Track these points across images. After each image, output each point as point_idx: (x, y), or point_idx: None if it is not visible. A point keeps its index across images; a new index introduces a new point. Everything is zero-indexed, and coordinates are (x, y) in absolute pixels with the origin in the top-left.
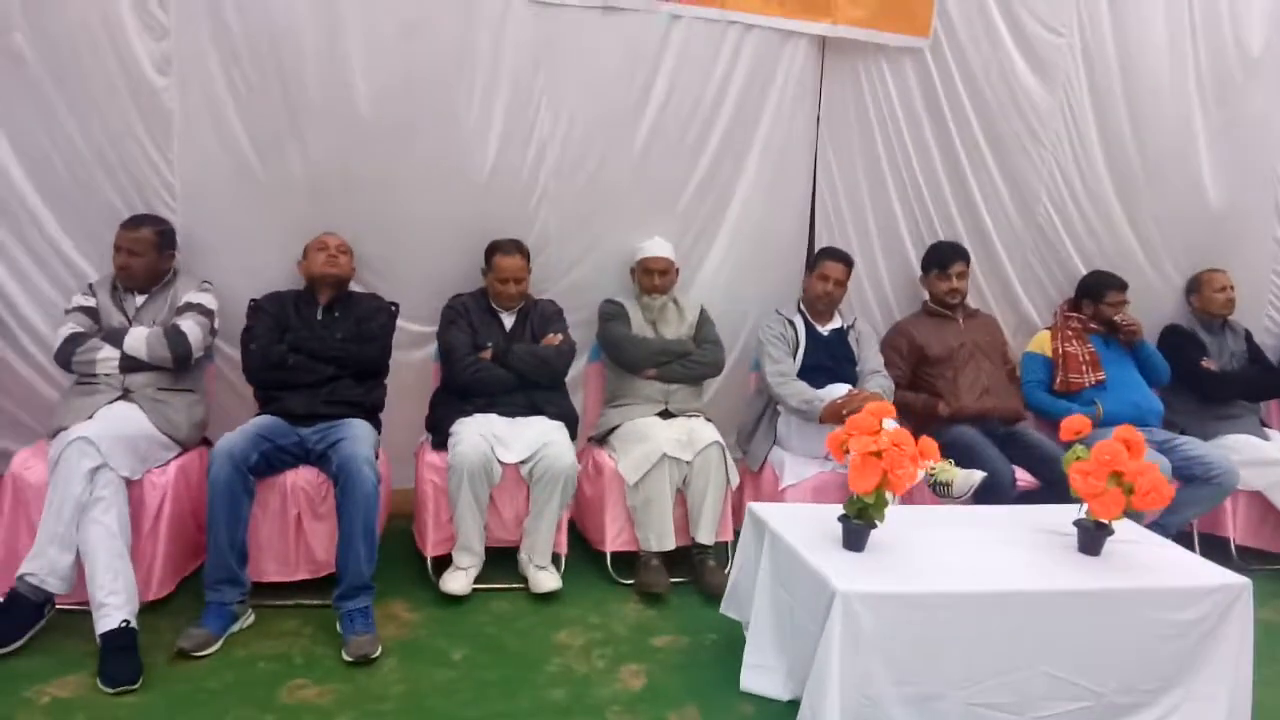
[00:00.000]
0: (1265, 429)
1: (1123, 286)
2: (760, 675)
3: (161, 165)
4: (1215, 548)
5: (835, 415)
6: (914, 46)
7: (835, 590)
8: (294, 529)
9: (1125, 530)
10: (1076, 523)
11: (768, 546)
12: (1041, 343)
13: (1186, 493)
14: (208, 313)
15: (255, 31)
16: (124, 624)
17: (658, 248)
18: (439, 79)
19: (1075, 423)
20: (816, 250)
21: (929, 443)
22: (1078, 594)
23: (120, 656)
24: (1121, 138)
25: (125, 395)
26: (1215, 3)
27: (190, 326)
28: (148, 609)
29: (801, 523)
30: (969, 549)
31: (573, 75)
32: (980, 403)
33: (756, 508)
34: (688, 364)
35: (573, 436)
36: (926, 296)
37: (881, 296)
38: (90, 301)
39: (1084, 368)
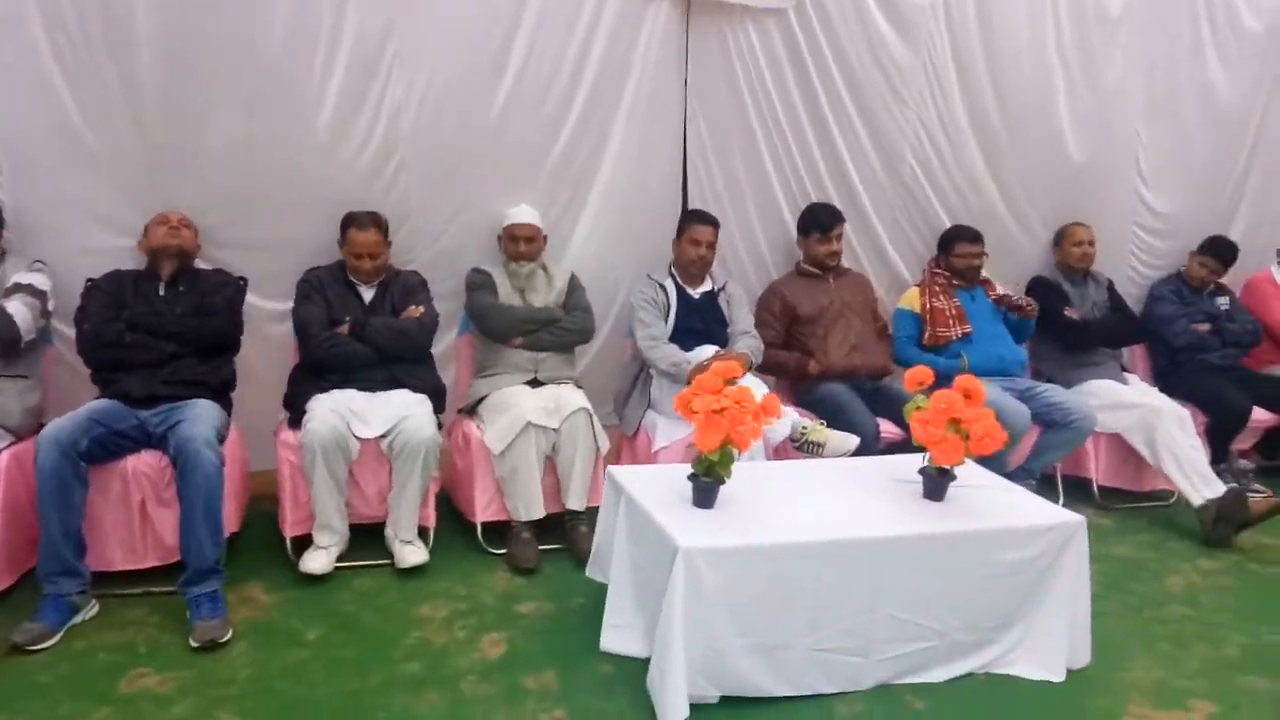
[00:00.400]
0: (1125, 374)
1: (974, 238)
2: (619, 634)
3: None
4: (1079, 489)
5: None
6: (779, 8)
7: (677, 547)
8: (139, 515)
9: (973, 475)
10: (921, 470)
11: (623, 508)
12: (911, 299)
13: (1048, 437)
14: (38, 294)
15: None
16: None
17: (523, 214)
18: (283, 44)
19: (918, 374)
20: (682, 214)
21: (773, 399)
22: (917, 538)
23: None
24: (983, 97)
25: None
26: None
27: (16, 308)
28: None
29: (656, 483)
30: (817, 501)
31: (425, 35)
32: (848, 359)
33: (614, 471)
34: (555, 332)
35: (440, 409)
36: (801, 257)
37: (758, 257)
38: None
39: (950, 321)
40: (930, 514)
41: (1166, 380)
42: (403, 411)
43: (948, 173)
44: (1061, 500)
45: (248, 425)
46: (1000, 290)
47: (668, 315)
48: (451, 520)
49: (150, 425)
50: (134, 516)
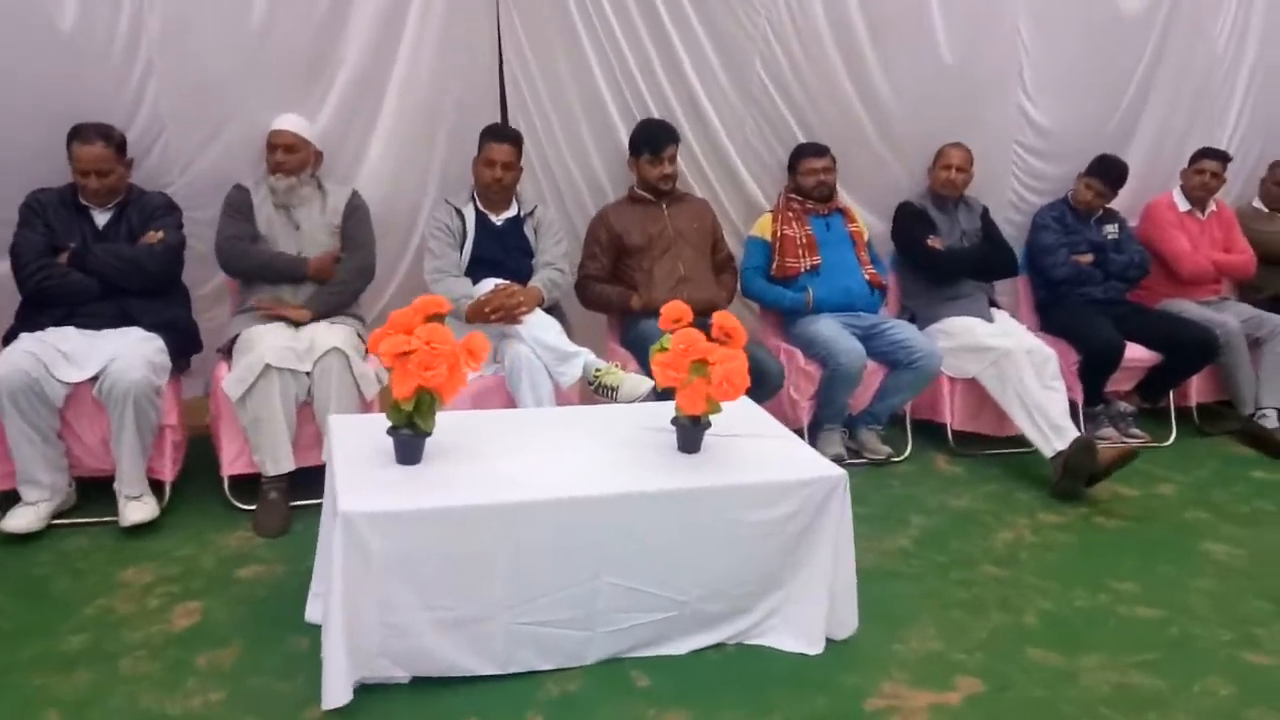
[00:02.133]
0: (994, 309)
1: (818, 151)
2: (320, 605)
3: None
4: (934, 434)
5: (479, 314)
6: None
7: (339, 510)
8: None
9: (748, 422)
10: (674, 420)
11: (330, 463)
12: (763, 226)
13: (893, 379)
14: None
15: None
16: None
17: (283, 121)
18: None
19: (674, 310)
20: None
21: (480, 340)
22: (643, 496)
23: None
24: (845, 4)
25: None
26: None
27: None
28: None
29: (373, 434)
30: (546, 454)
31: None
32: (674, 294)
33: (333, 420)
34: (330, 293)
35: (186, 350)
36: (634, 181)
37: (592, 179)
38: None
39: (800, 251)
40: (671, 468)
41: (1046, 314)
42: (116, 353)
43: (803, 85)
44: (910, 447)
45: None
46: (860, 223)
47: (464, 244)
48: (206, 471)
49: None
50: None
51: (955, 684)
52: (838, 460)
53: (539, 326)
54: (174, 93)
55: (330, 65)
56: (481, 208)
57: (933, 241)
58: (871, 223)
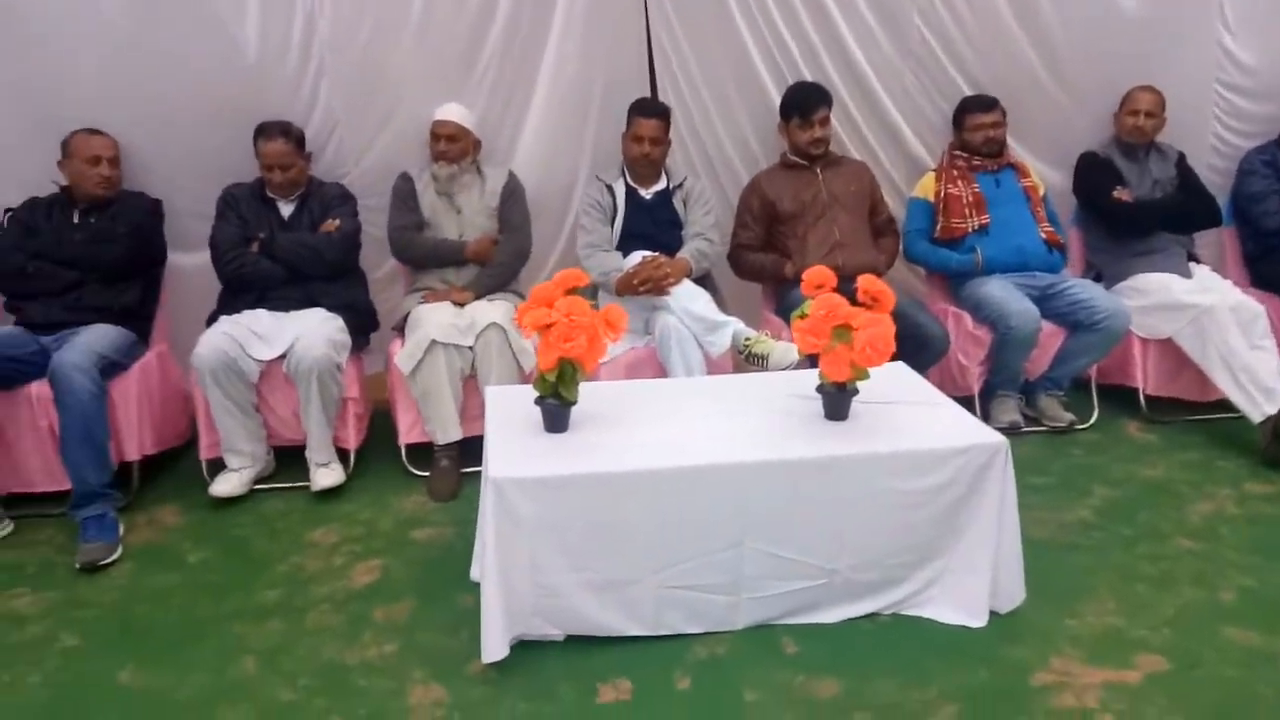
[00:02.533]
0: (1194, 264)
1: (986, 105)
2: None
3: None
4: (1125, 399)
5: (628, 286)
6: None
7: (488, 476)
8: (50, 439)
9: (903, 388)
10: (819, 388)
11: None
12: (925, 186)
13: (1074, 341)
14: None
15: None
16: None
17: (446, 111)
18: None
19: (817, 275)
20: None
21: (618, 312)
22: (786, 464)
23: None
24: None
25: None
26: None
27: None
28: None
29: (523, 404)
30: (690, 422)
31: None
32: (828, 260)
33: (489, 391)
34: (490, 276)
35: (365, 329)
36: (786, 147)
37: (744, 148)
38: None
39: (967, 211)
40: (816, 435)
41: (1255, 268)
42: (300, 332)
43: (967, 35)
44: (1096, 414)
45: (186, 348)
46: (1035, 178)
47: (614, 219)
48: (387, 441)
49: (51, 350)
50: (44, 441)
51: (1135, 661)
52: (1012, 428)
53: (687, 297)
54: (344, 91)
55: (484, 53)
56: (631, 182)
57: (1119, 193)
58: (1051, 177)
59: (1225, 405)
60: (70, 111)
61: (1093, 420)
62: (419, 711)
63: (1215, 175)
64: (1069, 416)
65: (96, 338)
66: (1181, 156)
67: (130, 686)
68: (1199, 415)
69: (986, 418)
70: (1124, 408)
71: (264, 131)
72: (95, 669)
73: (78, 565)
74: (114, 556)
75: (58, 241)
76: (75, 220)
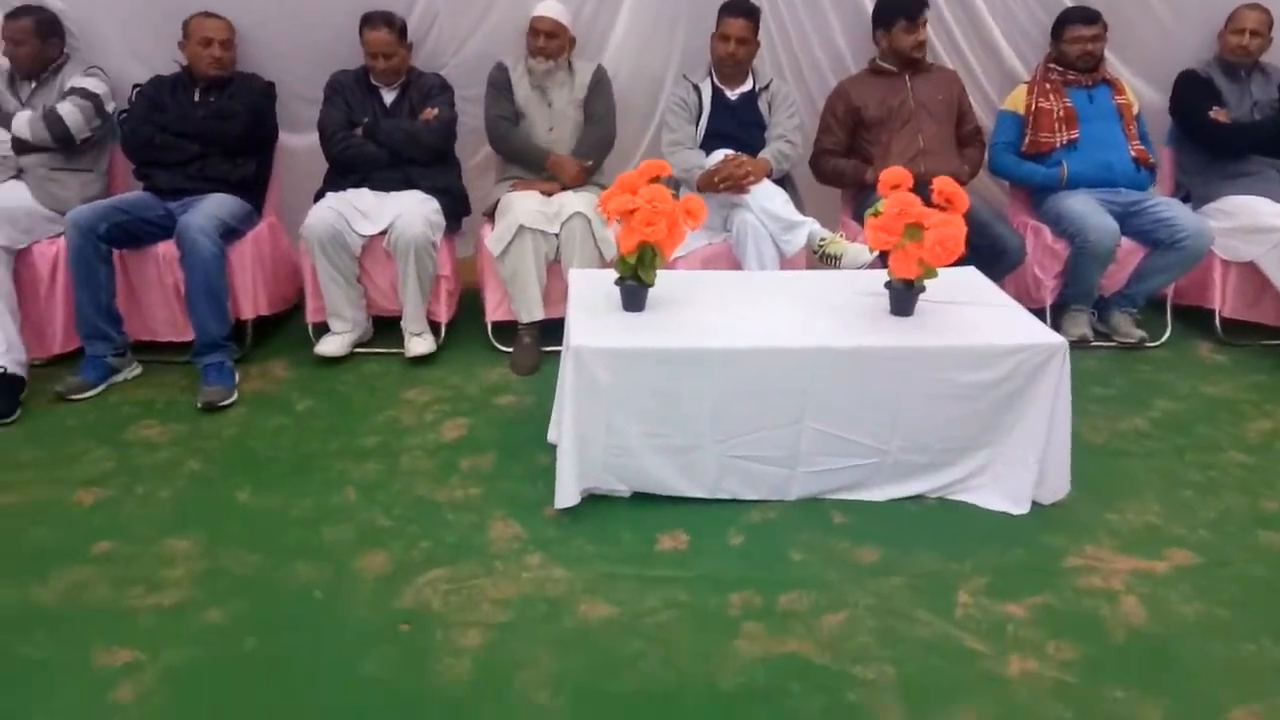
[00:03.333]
0: None
1: (1088, 18)
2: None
3: None
4: (1201, 321)
5: (709, 183)
6: None
7: (570, 345)
8: (174, 295)
9: (971, 291)
10: (886, 284)
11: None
12: (1016, 99)
13: (1153, 259)
14: (90, 95)
15: None
16: (1, 370)
17: (546, 8)
18: None
19: (894, 175)
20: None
21: (697, 202)
22: (844, 351)
23: None
24: None
25: (19, 174)
26: None
27: (68, 110)
28: (52, 363)
29: (604, 285)
30: (757, 309)
31: None
32: (910, 167)
33: (573, 273)
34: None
35: (458, 213)
36: (878, 53)
37: (834, 52)
38: None
39: (1057, 125)
40: (877, 328)
41: None
42: (400, 210)
43: None
44: (1169, 332)
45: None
46: (1130, 95)
47: (700, 118)
48: (475, 317)
49: (176, 214)
50: (169, 296)
51: (1166, 554)
52: (1082, 341)
53: (765, 196)
54: None
55: None
56: (718, 83)
57: (1215, 113)
58: (1148, 95)
59: None
60: None
61: (1165, 338)
62: (499, 543)
63: None
64: (1139, 333)
65: (217, 205)
66: None
67: (249, 504)
68: (1276, 340)
69: (1057, 330)
70: (1199, 329)
71: (369, 20)
72: (218, 489)
73: (199, 405)
74: (231, 399)
75: (181, 116)
76: (196, 98)
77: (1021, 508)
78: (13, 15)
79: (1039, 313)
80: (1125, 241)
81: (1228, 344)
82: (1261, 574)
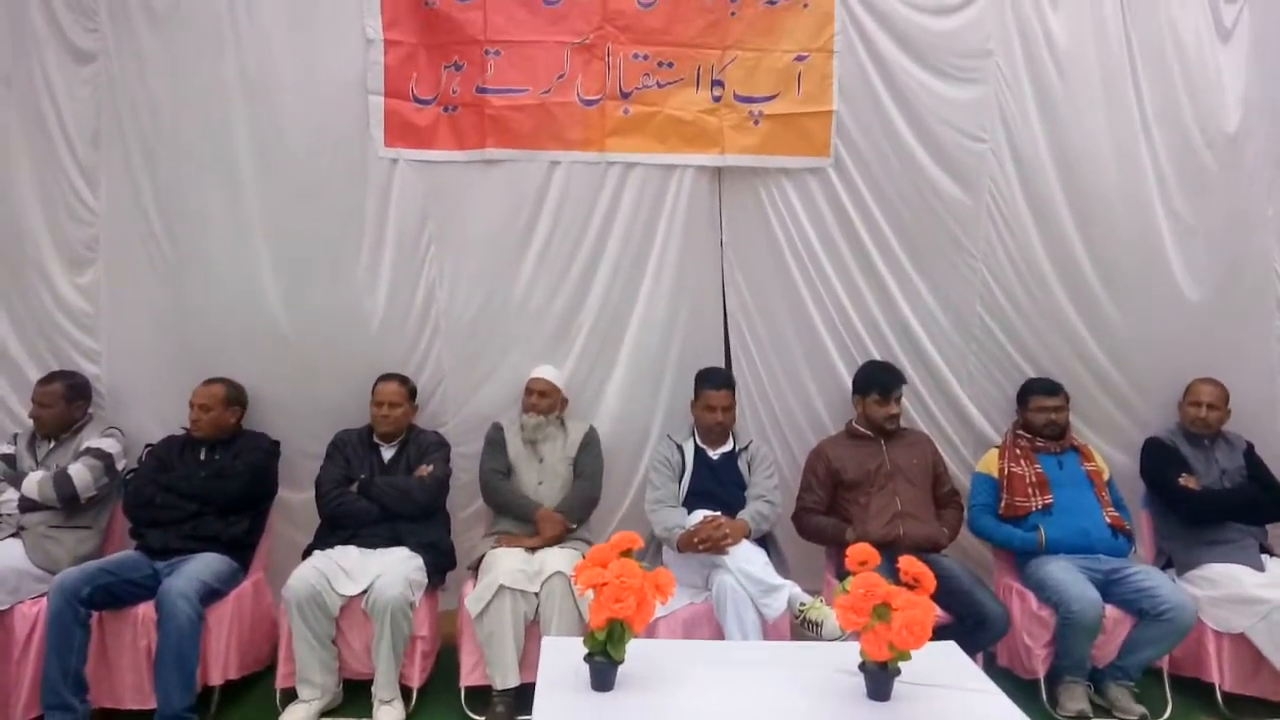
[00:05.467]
0: (1267, 557)
1: (1049, 390)
2: None
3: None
4: (1203, 693)
5: (688, 543)
6: (815, 167)
7: None
8: (146, 660)
9: (951, 670)
10: (860, 665)
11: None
12: (989, 463)
13: (1141, 631)
14: (103, 455)
15: (168, 209)
16: None
17: (541, 371)
18: (331, 237)
19: (860, 553)
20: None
21: (666, 575)
22: None
23: None
24: (1069, 244)
25: (18, 533)
26: (1170, 90)
27: (78, 470)
28: None
29: (571, 658)
30: (729, 693)
31: (458, 220)
32: (889, 529)
33: (545, 642)
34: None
35: (443, 568)
36: (854, 417)
37: (813, 416)
38: (9, 450)
39: (1030, 490)
40: (856, 718)
41: None
42: (382, 570)
43: (1029, 324)
44: (1170, 709)
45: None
46: (1099, 462)
47: (682, 476)
48: (450, 681)
49: (163, 575)
50: (141, 660)
51: None
52: (1081, 718)
53: (744, 558)
54: (453, 350)
55: (576, 322)
56: (700, 443)
57: (1185, 480)
58: (1119, 460)
59: None
60: (217, 363)
61: (1166, 715)
62: None
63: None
64: (1140, 709)
65: (203, 566)
66: (1250, 447)
67: None
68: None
69: (1054, 704)
70: (1201, 702)
71: (384, 376)
72: None
73: None
74: None
75: (185, 476)
76: (201, 457)
77: None
78: (46, 380)
79: (1034, 684)
80: (1111, 610)
81: (1229, 718)
82: None
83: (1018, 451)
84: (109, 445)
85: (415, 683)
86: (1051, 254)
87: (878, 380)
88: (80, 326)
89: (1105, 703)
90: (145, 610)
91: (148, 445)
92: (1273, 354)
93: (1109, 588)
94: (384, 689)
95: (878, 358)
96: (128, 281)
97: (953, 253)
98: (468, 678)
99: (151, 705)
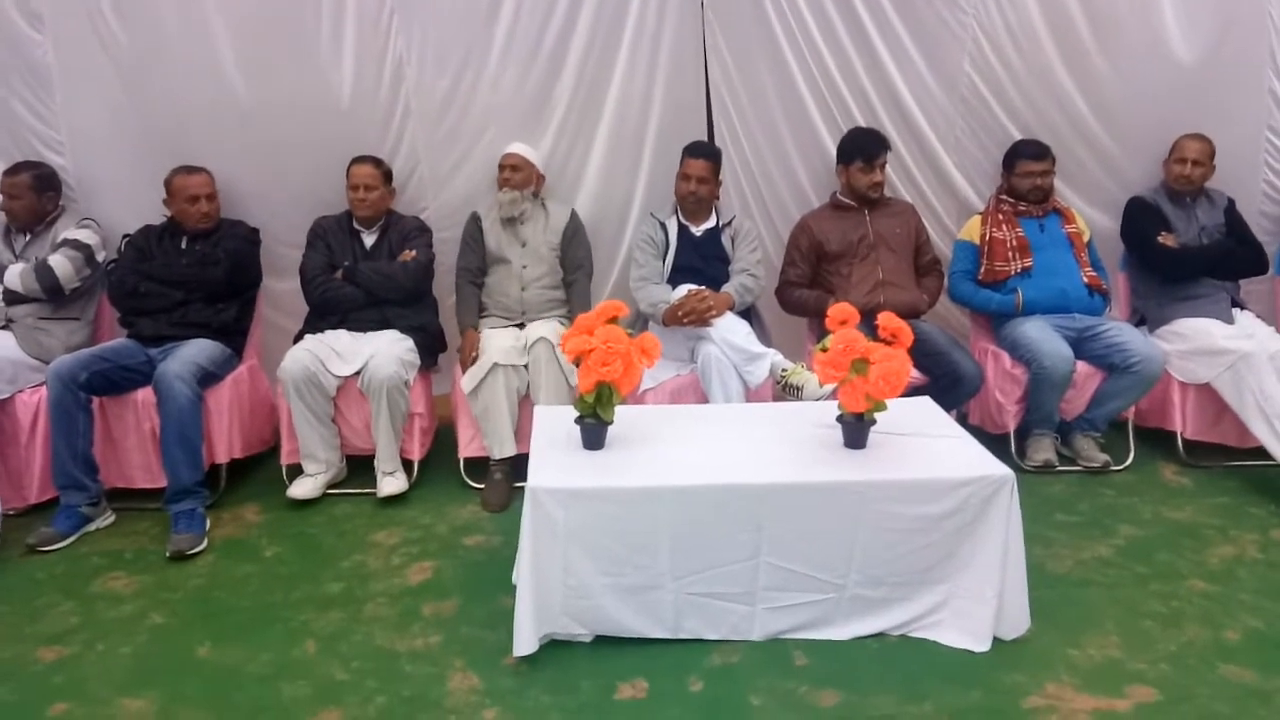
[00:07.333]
0: (1237, 310)
1: (1037, 154)
2: None
3: (44, 118)
4: (1165, 442)
5: (674, 317)
6: None
7: (527, 485)
8: (150, 441)
9: (924, 421)
10: (838, 417)
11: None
12: (971, 229)
13: (1110, 384)
14: (81, 247)
15: None
16: None
17: (512, 146)
18: (291, 12)
19: (840, 312)
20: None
21: (652, 340)
22: (799, 486)
23: None
24: None
25: (7, 325)
26: None
27: (59, 261)
28: (29, 512)
29: (567, 423)
30: (716, 445)
31: None
32: (870, 297)
33: (538, 410)
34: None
35: (434, 350)
36: (839, 188)
37: (796, 187)
38: None
39: (1010, 254)
40: (831, 461)
41: None
42: (374, 351)
43: (1018, 84)
44: (1132, 456)
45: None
46: (1080, 224)
47: (666, 253)
48: (449, 454)
49: (157, 361)
50: (146, 442)
51: (1127, 692)
52: (1046, 467)
53: (728, 329)
54: (427, 131)
55: (552, 98)
56: (683, 219)
57: (1164, 238)
58: (1100, 222)
59: (1265, 452)
60: (184, 149)
61: (1128, 462)
62: (456, 695)
63: (1266, 222)
64: (1103, 457)
65: (197, 351)
66: (1231, 203)
67: (208, 660)
68: (1238, 461)
69: (1022, 456)
70: (1163, 451)
71: (358, 159)
72: (178, 644)
73: (168, 554)
74: (200, 547)
75: (166, 264)
76: (183, 246)
77: (982, 645)
78: (11, 171)
79: (1003, 438)
80: (1082, 366)
81: (1191, 466)
82: (1224, 710)
83: (1000, 217)
84: (86, 236)
85: (416, 456)
86: (1045, 10)
87: (862, 146)
88: (37, 116)
89: (1070, 453)
90: (144, 395)
91: (125, 235)
92: (1260, 107)
93: (1082, 344)
94: (386, 461)
95: (862, 124)
96: (81, 70)
97: (943, 7)
98: (465, 450)
99: (162, 483)
